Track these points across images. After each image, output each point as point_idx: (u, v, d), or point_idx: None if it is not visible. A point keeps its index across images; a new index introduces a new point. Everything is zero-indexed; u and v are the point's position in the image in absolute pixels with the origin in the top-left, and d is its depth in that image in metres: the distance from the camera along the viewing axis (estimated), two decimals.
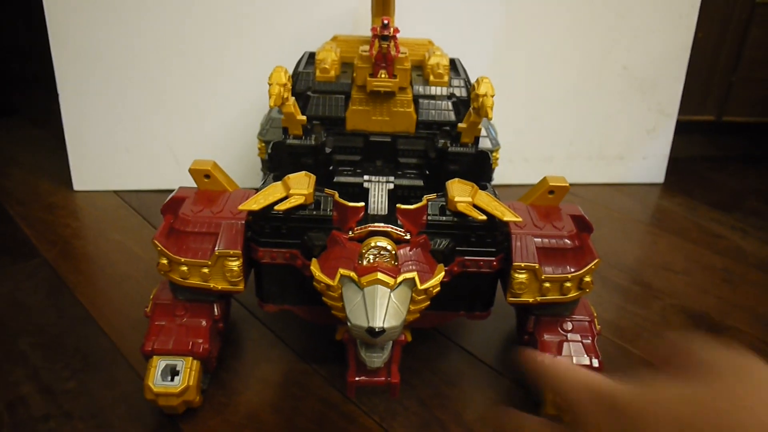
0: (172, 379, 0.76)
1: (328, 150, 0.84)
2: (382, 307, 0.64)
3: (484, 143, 0.93)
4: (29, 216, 1.25)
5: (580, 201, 0.84)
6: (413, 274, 0.67)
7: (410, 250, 0.72)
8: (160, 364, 0.76)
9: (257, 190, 0.78)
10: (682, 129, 1.56)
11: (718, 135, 1.74)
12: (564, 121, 1.47)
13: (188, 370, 0.77)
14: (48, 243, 1.16)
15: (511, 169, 1.47)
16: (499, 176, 1.16)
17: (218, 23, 1.27)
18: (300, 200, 0.74)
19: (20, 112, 1.80)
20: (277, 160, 0.83)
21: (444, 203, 0.77)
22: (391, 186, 0.82)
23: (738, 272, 1.20)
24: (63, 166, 1.37)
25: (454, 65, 0.97)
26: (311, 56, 0.98)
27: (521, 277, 0.77)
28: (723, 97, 1.63)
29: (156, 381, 0.76)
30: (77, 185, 1.36)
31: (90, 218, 1.27)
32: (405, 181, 0.85)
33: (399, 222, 0.75)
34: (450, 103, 0.88)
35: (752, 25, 1.54)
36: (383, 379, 0.74)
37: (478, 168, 0.85)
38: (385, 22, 0.81)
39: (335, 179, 0.84)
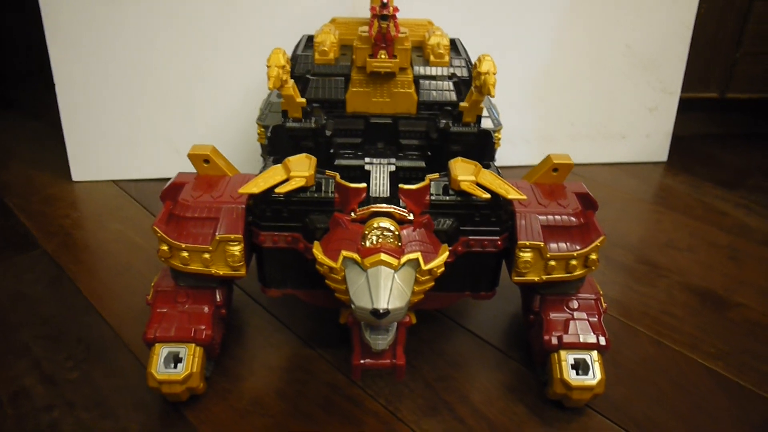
0: (175, 367, 0.75)
1: (328, 133, 0.83)
2: (386, 288, 0.63)
3: (486, 123, 0.91)
4: (28, 208, 1.25)
5: (582, 181, 0.83)
6: (417, 255, 0.66)
7: (414, 231, 0.71)
8: (162, 351, 0.76)
9: (258, 174, 0.77)
10: (685, 107, 1.54)
11: (721, 112, 1.72)
12: (565, 101, 1.46)
13: (191, 357, 0.76)
14: (48, 234, 1.15)
15: (512, 150, 1.46)
16: (501, 157, 1.14)
17: (215, 8, 1.26)
18: (301, 182, 0.73)
19: (16, 105, 1.78)
20: (277, 143, 0.82)
21: (447, 183, 0.76)
22: (393, 168, 0.81)
23: (743, 249, 1.19)
24: (61, 158, 1.36)
25: (454, 45, 0.96)
26: (310, 39, 0.96)
27: (526, 255, 0.76)
28: (726, 74, 1.61)
29: (159, 368, 0.75)
30: (76, 176, 1.35)
31: (89, 208, 1.26)
32: (407, 163, 0.84)
33: (402, 203, 0.74)
34: (451, 83, 0.87)
35: (755, 0, 1.52)
36: (388, 361, 0.73)
37: (481, 147, 0.84)
38: (384, 1, 0.79)
39: (336, 162, 0.83)
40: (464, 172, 0.75)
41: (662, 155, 1.55)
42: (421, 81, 0.86)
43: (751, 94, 1.64)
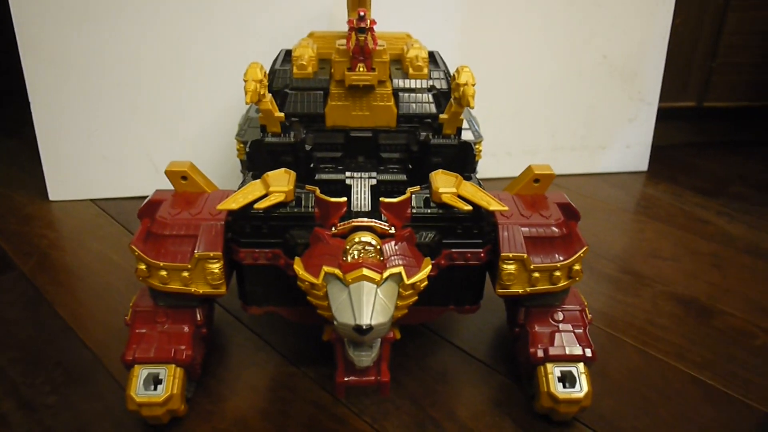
0: (155, 388, 0.74)
1: (308, 147, 0.82)
2: (369, 303, 0.62)
3: (467, 135, 0.91)
4: (4, 228, 1.22)
5: (564, 191, 0.83)
6: (399, 269, 0.65)
7: (395, 245, 0.70)
8: (141, 373, 0.74)
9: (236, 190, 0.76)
10: (663, 116, 1.55)
11: (699, 121, 1.73)
12: (546, 113, 1.46)
13: (171, 378, 0.74)
14: (24, 255, 1.13)
15: (494, 163, 1.46)
16: (483, 170, 1.14)
17: (192, 25, 1.25)
18: (280, 197, 0.72)
19: None
20: (256, 159, 0.81)
21: (428, 195, 0.75)
22: (374, 182, 0.80)
23: (727, 257, 1.19)
24: (38, 177, 1.33)
25: (433, 58, 0.96)
26: (288, 54, 0.96)
27: (510, 267, 0.76)
28: (703, 83, 1.63)
29: (138, 391, 0.73)
30: (53, 195, 1.33)
31: (67, 228, 1.24)
32: (388, 176, 0.83)
33: (383, 216, 0.73)
34: (430, 96, 0.86)
35: (729, 10, 1.54)
36: (373, 378, 0.72)
37: (462, 159, 0.83)
38: (361, 13, 0.79)
39: (316, 177, 0.82)
40: (445, 184, 0.74)
41: (643, 165, 1.56)
42: (401, 94, 0.86)
43: (728, 102, 1.65)
